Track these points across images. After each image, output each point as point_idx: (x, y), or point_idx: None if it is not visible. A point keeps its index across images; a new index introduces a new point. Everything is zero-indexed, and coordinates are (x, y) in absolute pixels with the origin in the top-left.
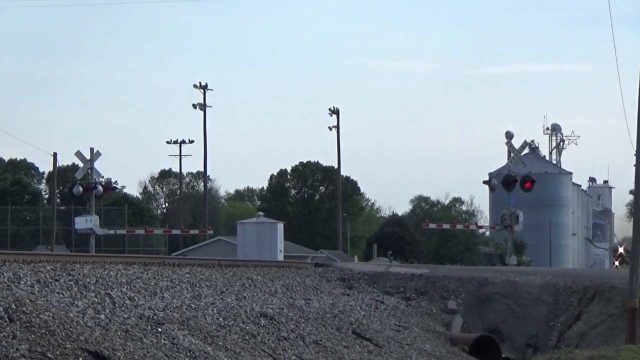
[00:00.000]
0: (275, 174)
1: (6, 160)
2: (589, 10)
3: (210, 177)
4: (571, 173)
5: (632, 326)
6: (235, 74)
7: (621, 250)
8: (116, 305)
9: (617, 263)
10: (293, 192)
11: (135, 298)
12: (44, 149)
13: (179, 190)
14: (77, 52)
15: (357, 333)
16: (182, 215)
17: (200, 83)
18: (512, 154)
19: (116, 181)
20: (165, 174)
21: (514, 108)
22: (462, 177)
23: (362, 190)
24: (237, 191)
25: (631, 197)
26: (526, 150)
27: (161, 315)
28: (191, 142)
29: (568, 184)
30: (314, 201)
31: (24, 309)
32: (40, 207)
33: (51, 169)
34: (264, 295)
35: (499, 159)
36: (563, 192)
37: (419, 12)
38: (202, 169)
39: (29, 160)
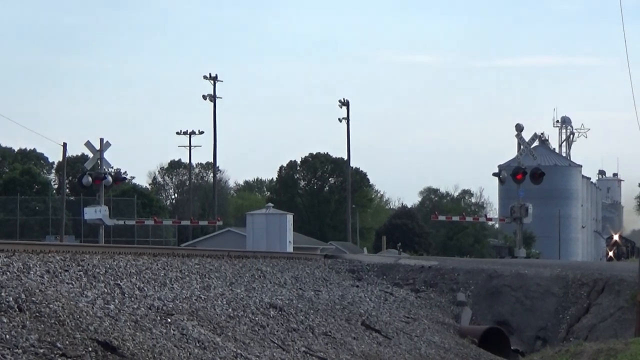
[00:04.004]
0: (284, 165)
1: (16, 150)
2: (600, 3)
3: (220, 168)
4: (581, 166)
5: None
6: (245, 66)
7: (616, 237)
8: (125, 295)
9: (611, 253)
10: (302, 183)
11: (145, 288)
12: (53, 139)
13: (188, 181)
14: (88, 43)
15: (366, 324)
16: (192, 206)
17: (210, 74)
18: (522, 147)
19: (125, 172)
20: (175, 165)
21: (524, 101)
22: (471, 169)
23: (371, 181)
24: (246, 182)
25: None
26: (536, 143)
27: (170, 306)
28: (201, 133)
29: (577, 176)
30: (324, 193)
31: (33, 299)
32: (49, 197)
33: (61, 159)
34: (273, 286)
35: (509, 152)
36: (572, 184)
37: (429, 4)
38: (211, 160)
39: (39, 150)
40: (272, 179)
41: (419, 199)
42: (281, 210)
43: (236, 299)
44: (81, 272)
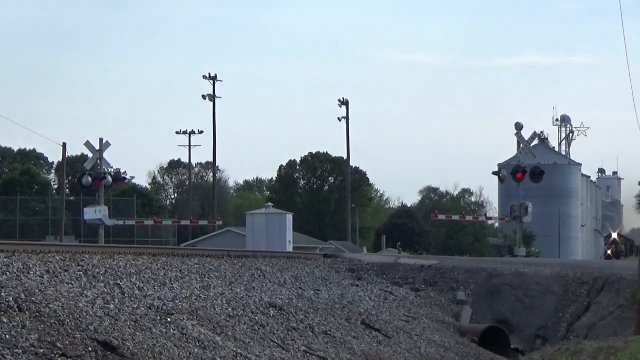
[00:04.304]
0: (284, 164)
1: (16, 150)
2: (599, 2)
3: (220, 167)
4: (580, 164)
5: None
6: (245, 65)
7: (614, 236)
8: (125, 295)
9: (610, 252)
10: (302, 183)
11: (145, 288)
12: (53, 139)
13: (188, 181)
14: (87, 42)
15: (366, 324)
16: (191, 206)
17: (209, 74)
18: (521, 145)
19: (125, 172)
20: (175, 165)
21: (524, 99)
22: (471, 168)
23: (371, 181)
24: (246, 182)
25: None
26: (536, 142)
27: (170, 306)
28: (200, 132)
29: (577, 175)
30: (323, 192)
31: (33, 299)
32: (49, 198)
33: (60, 159)
34: (273, 285)
35: (509, 150)
36: (572, 183)
37: (429, 4)
38: (211, 160)
39: (39, 150)
40: (272, 178)
41: (419, 198)
42: (281, 209)
43: (236, 298)
44: (81, 272)
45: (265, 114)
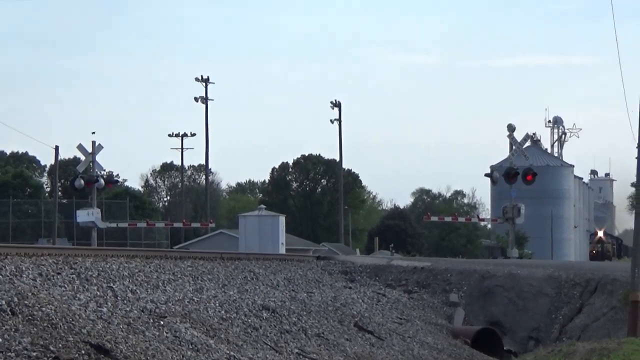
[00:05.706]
0: (277, 166)
1: (8, 153)
2: (592, 2)
3: (212, 170)
4: (573, 166)
5: (634, 319)
6: (237, 67)
7: (600, 234)
8: (118, 298)
9: (595, 251)
10: (295, 185)
11: (138, 291)
12: (45, 142)
13: (180, 183)
14: (79, 44)
15: (359, 326)
16: (184, 209)
17: (201, 76)
18: (513, 147)
19: (118, 174)
20: (167, 167)
21: (516, 100)
22: (463, 169)
23: (363, 183)
24: (238, 184)
25: (632, 189)
26: (528, 143)
27: (163, 309)
28: (193, 135)
29: (569, 176)
30: (316, 194)
31: (26, 302)
32: (42, 200)
33: (53, 162)
34: (266, 288)
35: (501, 152)
36: (564, 184)
37: (422, 3)
38: (203, 162)
39: (31, 153)
40: (265, 180)
41: (411, 200)
42: (273, 212)
43: (229, 301)
44: (74, 275)
45: (258, 116)
